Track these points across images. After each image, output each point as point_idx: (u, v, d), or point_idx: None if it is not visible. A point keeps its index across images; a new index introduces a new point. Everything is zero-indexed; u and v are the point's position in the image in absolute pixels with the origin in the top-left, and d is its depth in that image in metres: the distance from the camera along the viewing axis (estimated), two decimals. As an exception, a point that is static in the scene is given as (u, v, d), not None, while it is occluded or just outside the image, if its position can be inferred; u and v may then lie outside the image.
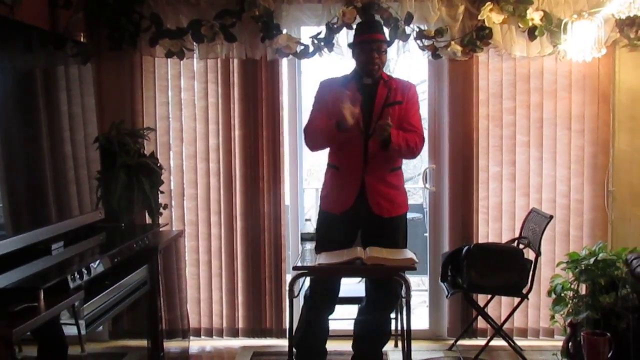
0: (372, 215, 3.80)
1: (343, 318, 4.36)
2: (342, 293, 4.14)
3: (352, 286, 4.34)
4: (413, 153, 3.81)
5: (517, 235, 4.57)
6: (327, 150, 3.96)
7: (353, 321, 4.10)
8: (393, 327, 4.41)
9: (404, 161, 4.04)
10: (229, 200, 4.76)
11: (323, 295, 3.92)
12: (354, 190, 3.78)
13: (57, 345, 2.90)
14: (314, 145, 3.92)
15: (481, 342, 4.53)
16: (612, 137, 4.62)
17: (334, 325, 4.24)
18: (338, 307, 4.15)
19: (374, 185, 3.79)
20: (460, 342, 4.68)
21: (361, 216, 3.80)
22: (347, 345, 4.10)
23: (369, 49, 3.75)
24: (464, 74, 4.62)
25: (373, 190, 3.79)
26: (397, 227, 3.90)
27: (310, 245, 3.75)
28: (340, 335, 4.26)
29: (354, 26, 4.40)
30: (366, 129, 3.73)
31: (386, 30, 4.42)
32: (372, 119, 3.73)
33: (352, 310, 4.20)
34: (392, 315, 4.23)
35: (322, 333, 4.05)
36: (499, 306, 4.71)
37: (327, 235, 3.81)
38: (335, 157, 3.90)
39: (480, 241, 4.63)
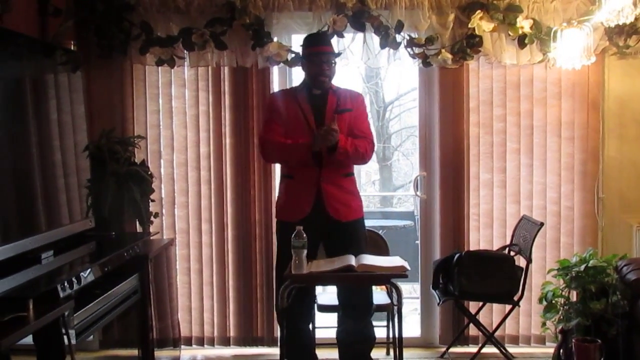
0: (331, 220, 3.88)
1: (331, 326, 4.35)
2: (329, 301, 4.17)
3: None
4: (363, 158, 3.98)
5: (508, 242, 4.58)
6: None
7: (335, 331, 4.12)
8: (384, 334, 4.42)
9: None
10: (220, 208, 4.75)
11: (299, 305, 3.92)
12: (311, 197, 3.88)
13: (54, 354, 2.89)
14: (272, 159, 4.18)
15: (473, 349, 4.53)
16: (601, 144, 4.64)
17: (322, 333, 4.23)
18: (326, 315, 4.18)
19: (330, 191, 3.89)
20: (451, 350, 4.68)
21: (319, 222, 3.84)
22: (336, 353, 4.09)
23: (318, 61, 3.89)
24: (454, 82, 4.64)
25: (330, 196, 3.88)
26: (357, 231, 4.00)
27: (301, 254, 3.74)
28: (329, 344, 4.24)
29: (344, 34, 4.45)
30: None
31: (377, 39, 4.46)
32: (324, 126, 3.82)
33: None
34: (384, 323, 4.24)
35: (308, 341, 4.09)
36: (491, 313, 4.71)
37: (287, 244, 3.79)
38: (289, 167, 3.99)
39: (471, 248, 4.64)
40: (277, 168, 4.80)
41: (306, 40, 4.03)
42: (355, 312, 4.00)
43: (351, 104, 3.97)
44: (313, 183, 3.87)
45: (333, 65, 3.94)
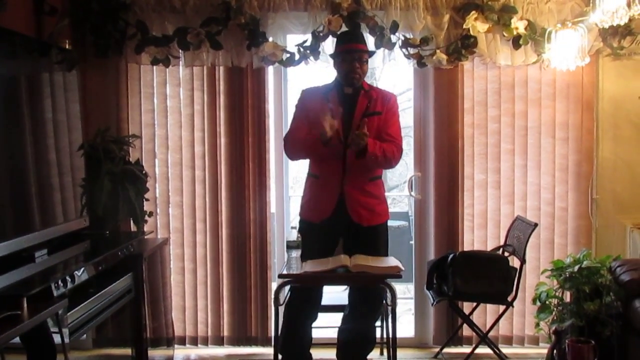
0: (352, 223, 3.84)
1: (327, 326, 4.35)
2: (326, 301, 4.16)
3: (337, 294, 4.34)
4: (390, 163, 3.88)
5: (502, 242, 4.59)
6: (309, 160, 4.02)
7: (337, 329, 4.10)
8: (378, 334, 4.42)
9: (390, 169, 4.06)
10: (215, 207, 4.75)
11: (304, 303, 3.93)
12: (333, 199, 3.83)
13: (45, 353, 2.88)
14: (294, 155, 4.03)
15: (466, 349, 4.54)
16: (595, 145, 4.66)
17: (318, 333, 4.23)
18: (322, 315, 4.17)
19: (353, 195, 3.83)
20: (445, 350, 4.69)
21: (340, 225, 3.83)
22: (331, 353, 4.09)
23: (350, 58, 3.81)
24: (449, 83, 4.65)
25: (352, 200, 3.83)
26: (377, 236, 3.93)
27: (295, 253, 3.75)
28: (324, 343, 4.25)
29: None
30: (345, 138, 3.77)
31: (371, 39, 4.46)
32: (352, 128, 3.76)
33: (336, 318, 4.19)
34: (377, 323, 4.24)
35: (305, 340, 4.06)
36: (484, 314, 4.72)
37: (307, 243, 3.84)
38: (315, 166, 3.95)
39: (465, 249, 4.65)
40: (273, 168, 4.83)
41: (338, 37, 4.00)
42: (365, 313, 3.97)
43: (382, 106, 3.87)
44: (336, 185, 3.82)
45: (365, 63, 3.86)
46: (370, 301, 3.95)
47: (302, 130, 3.85)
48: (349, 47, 3.84)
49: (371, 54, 3.98)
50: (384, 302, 4.08)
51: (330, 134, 3.62)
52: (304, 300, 3.91)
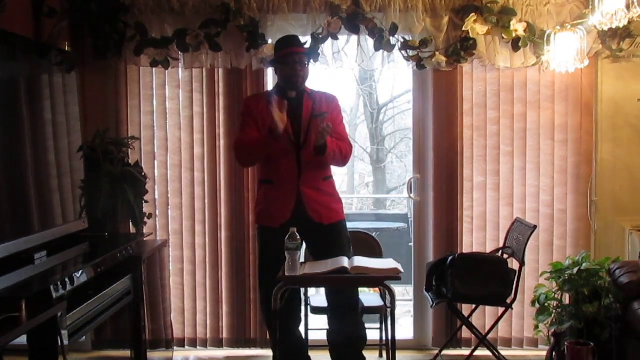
0: (312, 223, 3.86)
1: (323, 328, 4.35)
2: (321, 303, 4.17)
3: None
4: (345, 159, 3.98)
5: (501, 244, 4.58)
6: (260, 168, 4.09)
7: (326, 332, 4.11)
8: (377, 336, 4.43)
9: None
10: (214, 209, 4.75)
11: (292, 306, 3.95)
12: (292, 201, 3.86)
13: (46, 355, 2.88)
14: (246, 159, 4.05)
15: (466, 352, 4.54)
16: (594, 147, 4.66)
17: (315, 335, 4.23)
18: (319, 318, 4.22)
19: (310, 195, 3.87)
20: (444, 352, 4.67)
21: (301, 226, 3.79)
22: (325, 355, 4.10)
23: (292, 61, 3.86)
24: (448, 85, 4.65)
25: (310, 200, 3.87)
26: (339, 232, 3.98)
27: (295, 255, 3.74)
28: (322, 346, 4.24)
29: (339, 36, 4.46)
30: (297, 140, 3.84)
31: (371, 41, 4.47)
32: (302, 129, 3.84)
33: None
34: (378, 325, 4.24)
35: (302, 342, 4.10)
36: (484, 316, 4.72)
37: (270, 249, 3.81)
38: (268, 171, 3.96)
39: (464, 251, 4.65)
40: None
41: (278, 43, 4.01)
42: (343, 312, 4.00)
43: (327, 107, 3.94)
44: (293, 187, 3.85)
45: (306, 65, 3.92)
46: (346, 299, 3.98)
47: (252, 133, 3.86)
48: (290, 50, 3.87)
49: (310, 56, 4.02)
50: (383, 304, 4.08)
51: (282, 126, 3.66)
52: (287, 304, 3.90)
